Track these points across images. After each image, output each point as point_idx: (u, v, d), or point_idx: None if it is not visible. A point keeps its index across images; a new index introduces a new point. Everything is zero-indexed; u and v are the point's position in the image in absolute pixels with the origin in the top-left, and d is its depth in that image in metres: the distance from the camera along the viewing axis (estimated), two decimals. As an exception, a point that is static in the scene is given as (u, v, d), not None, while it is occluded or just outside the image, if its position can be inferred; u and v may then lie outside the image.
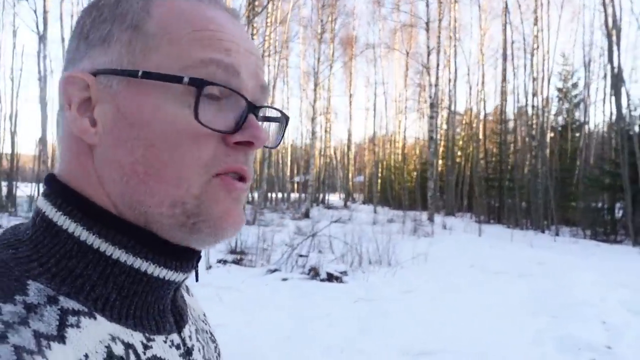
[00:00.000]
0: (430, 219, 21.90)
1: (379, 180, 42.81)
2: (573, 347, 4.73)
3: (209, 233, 0.52)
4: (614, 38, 16.98)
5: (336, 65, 34.16)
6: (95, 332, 0.46)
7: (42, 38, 23.76)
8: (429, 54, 22.48)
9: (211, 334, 0.72)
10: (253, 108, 0.54)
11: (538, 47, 23.72)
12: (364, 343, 4.81)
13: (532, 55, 23.17)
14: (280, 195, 38.25)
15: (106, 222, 0.50)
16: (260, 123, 0.55)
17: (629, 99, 16.91)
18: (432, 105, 22.47)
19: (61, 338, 0.43)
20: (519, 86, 24.23)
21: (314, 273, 7.77)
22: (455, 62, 29.09)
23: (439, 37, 22.86)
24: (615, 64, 16.78)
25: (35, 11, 16.47)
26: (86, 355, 0.44)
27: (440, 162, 32.44)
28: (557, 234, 18.12)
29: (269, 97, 0.59)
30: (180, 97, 0.50)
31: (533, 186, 21.06)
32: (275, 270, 8.08)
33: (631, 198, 15.22)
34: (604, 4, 17.34)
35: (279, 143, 0.64)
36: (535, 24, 23.99)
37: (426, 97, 22.84)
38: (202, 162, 0.50)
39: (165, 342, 0.54)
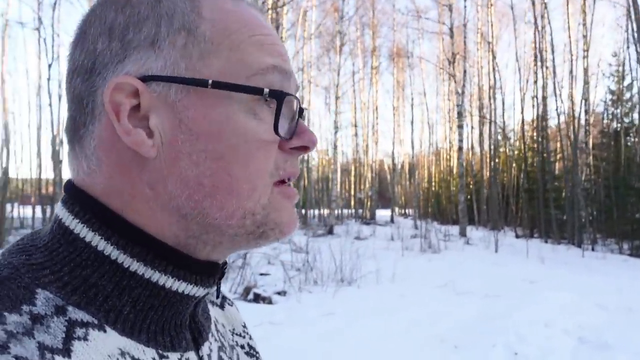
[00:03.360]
0: (462, 234, 20.71)
1: (427, 195, 41.49)
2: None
3: (275, 238, 0.52)
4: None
5: (371, 76, 33.60)
6: (104, 345, 0.44)
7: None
8: (453, 61, 21.45)
9: (250, 347, 0.69)
10: (301, 111, 0.54)
11: (587, 49, 22.07)
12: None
13: (572, 58, 21.56)
14: (327, 212, 37.66)
15: (124, 233, 0.48)
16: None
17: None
18: (459, 115, 21.37)
19: (66, 351, 0.41)
20: (562, 90, 22.44)
21: (245, 293, 7.28)
22: (494, 69, 27.68)
23: (464, 42, 21.82)
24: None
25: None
26: None
27: (486, 174, 30.87)
28: (592, 249, 16.50)
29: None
30: (247, 107, 0.49)
31: (569, 197, 19.40)
32: (209, 291, 7.67)
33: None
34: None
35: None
36: (584, 24, 22.37)
37: (454, 105, 21.71)
38: (268, 172, 0.51)
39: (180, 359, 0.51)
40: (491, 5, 26.99)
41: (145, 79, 0.48)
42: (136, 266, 0.47)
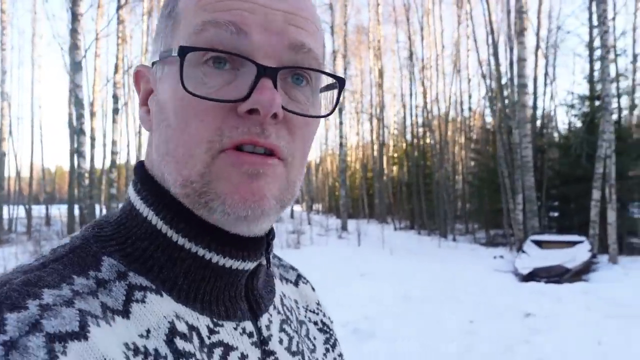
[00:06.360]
0: (344, 228, 21.20)
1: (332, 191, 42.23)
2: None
3: (222, 211, 0.48)
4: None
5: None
6: (160, 308, 0.48)
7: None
8: (334, 59, 21.85)
9: (323, 323, 0.71)
10: (270, 70, 0.47)
11: (458, 50, 23.01)
12: None
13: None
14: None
15: (172, 209, 0.51)
16: (271, 86, 0.47)
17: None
18: (340, 111, 21.80)
19: (125, 313, 0.45)
20: (429, 88, 23.41)
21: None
22: (381, 66, 28.50)
23: (345, 40, 22.28)
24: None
25: None
26: (148, 331, 0.45)
27: (384, 168, 31.84)
28: (454, 239, 17.46)
29: (310, 57, 0.50)
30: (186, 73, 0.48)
31: (436, 189, 20.42)
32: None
33: (507, 196, 14.57)
34: None
35: (332, 112, 0.55)
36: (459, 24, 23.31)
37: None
38: (206, 138, 0.47)
39: (235, 329, 0.53)
40: (378, 4, 27.71)
41: (153, 64, 0.53)
42: (182, 241, 0.50)
